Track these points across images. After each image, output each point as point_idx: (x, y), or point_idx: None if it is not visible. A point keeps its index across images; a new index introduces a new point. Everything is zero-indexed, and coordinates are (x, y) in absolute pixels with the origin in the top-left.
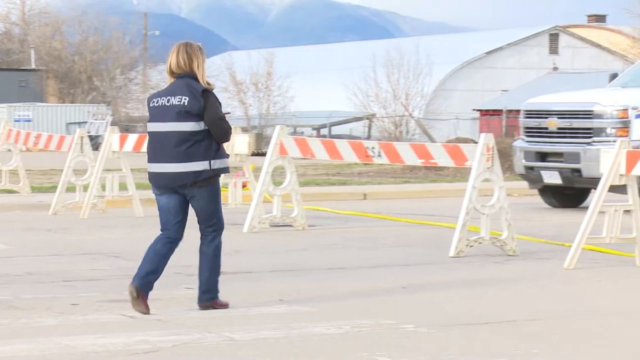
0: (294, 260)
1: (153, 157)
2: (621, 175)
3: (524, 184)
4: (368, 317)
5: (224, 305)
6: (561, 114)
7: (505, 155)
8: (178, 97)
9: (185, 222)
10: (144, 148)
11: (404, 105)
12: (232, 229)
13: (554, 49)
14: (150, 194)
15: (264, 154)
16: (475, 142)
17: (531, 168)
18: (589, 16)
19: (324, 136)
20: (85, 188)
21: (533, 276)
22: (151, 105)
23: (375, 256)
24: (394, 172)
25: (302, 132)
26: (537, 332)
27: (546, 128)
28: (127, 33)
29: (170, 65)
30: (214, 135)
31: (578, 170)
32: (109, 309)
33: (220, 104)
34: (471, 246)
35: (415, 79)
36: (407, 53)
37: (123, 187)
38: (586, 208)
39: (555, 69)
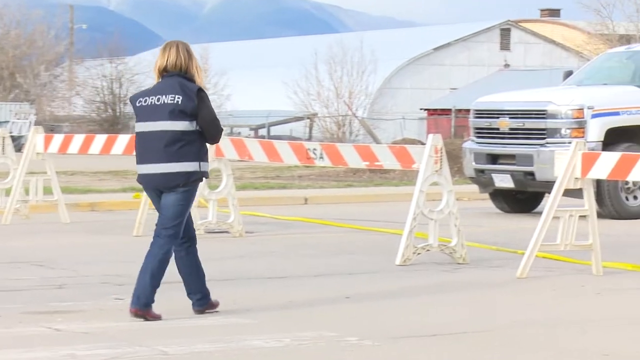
0: (231, 269)
1: (143, 158)
2: (576, 178)
3: (474, 187)
4: (310, 329)
5: (157, 317)
6: (513, 114)
7: (454, 158)
8: (170, 95)
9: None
10: (71, 149)
11: (347, 104)
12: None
13: (505, 45)
14: (76, 198)
15: None
16: (423, 144)
17: (482, 171)
18: (542, 10)
19: (263, 137)
20: (8, 192)
21: (484, 285)
22: (137, 104)
23: (318, 264)
24: (337, 175)
25: (239, 133)
26: (488, 344)
27: (497, 129)
28: (52, 27)
29: (166, 62)
30: (207, 135)
31: (531, 173)
32: (33, 322)
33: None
34: (419, 254)
35: (359, 76)
36: (351, 49)
37: (48, 191)
38: (539, 213)
39: (506, 65)
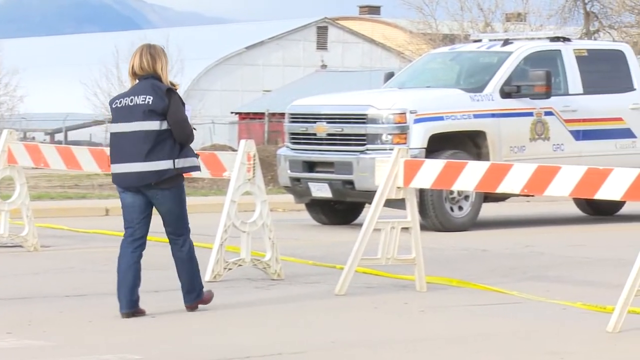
0: (25, 286)
1: (118, 158)
2: (398, 188)
3: (290, 197)
4: (111, 351)
5: (209, 299)
6: (331, 118)
7: (268, 165)
8: (142, 96)
9: (150, 220)
10: None
11: None
12: None
13: (322, 44)
14: None
15: None
16: (234, 150)
17: (297, 179)
18: (361, 7)
19: (60, 142)
20: None
21: (300, 303)
22: (114, 106)
23: None
24: None
25: (34, 138)
26: None
27: (314, 134)
28: None
29: (133, 67)
30: (175, 135)
31: (350, 182)
32: None
33: (183, 104)
34: (230, 269)
35: None
36: None
37: None
38: (360, 225)
39: (324, 66)
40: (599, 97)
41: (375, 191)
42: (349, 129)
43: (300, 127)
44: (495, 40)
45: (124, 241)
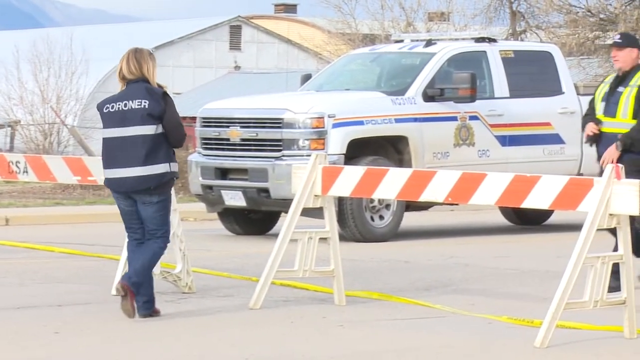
0: None
1: (113, 163)
2: (316, 196)
3: (202, 206)
4: None
5: (158, 312)
6: (245, 123)
7: (178, 172)
8: (137, 100)
9: None
10: None
11: (54, 111)
12: None
13: (235, 44)
14: None
15: None
16: None
17: (209, 187)
18: (276, 5)
19: None
20: None
21: (213, 317)
22: (105, 111)
23: (21, 295)
24: (43, 191)
25: None
26: None
27: (227, 139)
28: None
29: (121, 71)
30: (170, 139)
31: (265, 190)
32: None
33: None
34: None
35: (68, 78)
36: (59, 46)
37: None
38: (275, 235)
39: (237, 67)
40: (526, 100)
41: (292, 199)
42: (263, 133)
43: (212, 132)
44: (417, 40)
45: (130, 244)
